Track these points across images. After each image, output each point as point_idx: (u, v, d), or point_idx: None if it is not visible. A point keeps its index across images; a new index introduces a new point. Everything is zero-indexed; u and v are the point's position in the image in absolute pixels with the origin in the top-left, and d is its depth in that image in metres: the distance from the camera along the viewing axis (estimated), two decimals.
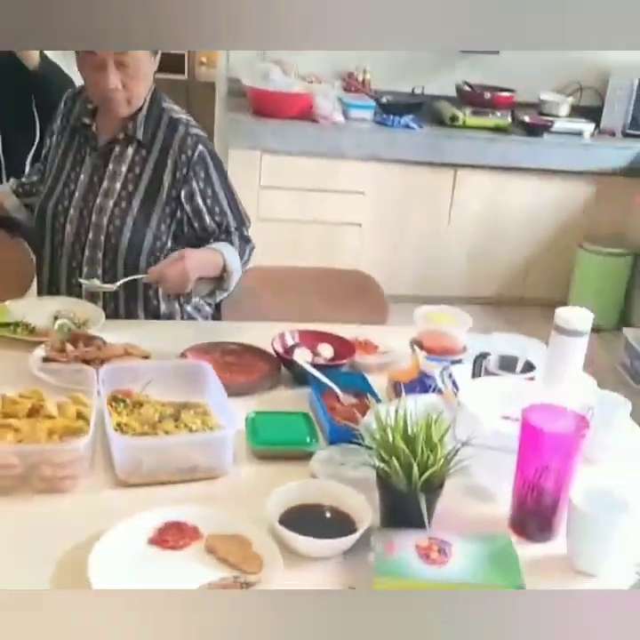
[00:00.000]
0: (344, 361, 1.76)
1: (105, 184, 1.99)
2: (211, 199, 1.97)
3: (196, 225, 1.99)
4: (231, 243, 1.95)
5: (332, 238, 4.58)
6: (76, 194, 2.00)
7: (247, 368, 1.76)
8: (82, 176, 2.01)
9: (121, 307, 2.02)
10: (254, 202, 4.42)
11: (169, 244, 2.00)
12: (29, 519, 1.29)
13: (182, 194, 1.96)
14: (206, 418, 1.53)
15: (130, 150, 1.98)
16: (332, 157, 4.38)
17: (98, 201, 1.98)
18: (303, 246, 4.56)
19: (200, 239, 1.99)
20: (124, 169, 1.98)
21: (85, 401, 1.54)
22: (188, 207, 1.97)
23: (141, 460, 1.36)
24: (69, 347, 1.73)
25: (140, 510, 1.28)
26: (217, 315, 2.17)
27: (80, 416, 1.50)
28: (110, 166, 1.99)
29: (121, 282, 1.89)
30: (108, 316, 1.97)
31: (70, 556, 1.20)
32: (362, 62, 4.65)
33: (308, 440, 1.49)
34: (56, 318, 1.88)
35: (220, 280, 1.89)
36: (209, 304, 2.14)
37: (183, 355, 1.77)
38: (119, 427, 1.46)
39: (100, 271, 1.99)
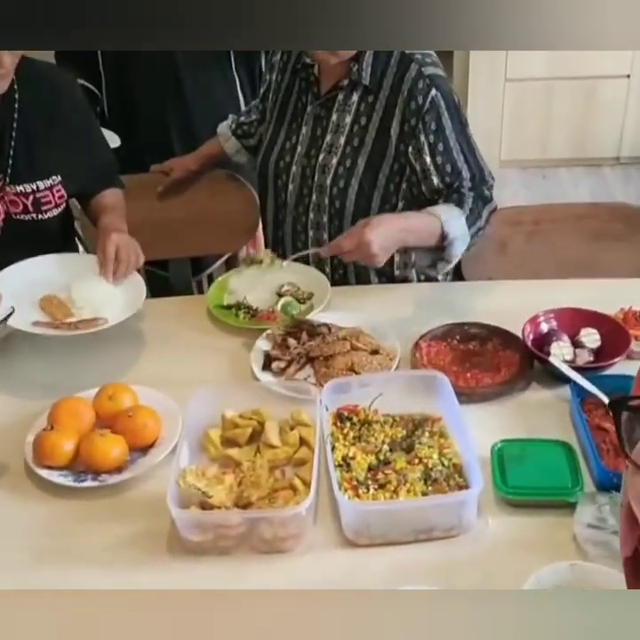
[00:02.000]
0: (614, 360, 1.43)
1: (328, 138, 1.71)
2: (441, 156, 1.63)
3: (423, 187, 1.66)
4: (461, 203, 1.61)
5: (592, 95, 3.96)
6: (298, 148, 1.75)
7: (493, 362, 1.49)
8: (303, 128, 1.74)
9: (350, 272, 1.80)
10: (502, 62, 3.91)
11: (400, 205, 1.71)
12: (248, 582, 1.17)
13: (410, 149, 1.64)
14: (443, 442, 1.31)
15: (355, 97, 1.67)
16: None
17: (320, 158, 1.72)
18: (557, 108, 4.01)
19: (429, 202, 1.66)
20: (348, 120, 1.68)
21: (308, 420, 1.37)
22: (416, 165, 1.65)
23: (370, 523, 1.18)
24: (292, 342, 1.55)
25: (368, 580, 1.12)
26: (458, 271, 1.86)
27: (303, 442, 1.35)
28: (333, 117, 1.70)
29: (290, 258, 1.71)
30: (336, 282, 1.77)
31: None
32: None
33: (569, 486, 1.22)
34: (279, 295, 1.71)
35: (440, 249, 1.58)
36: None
37: (417, 345, 1.53)
38: (344, 462, 1.28)
39: (325, 236, 1.76)
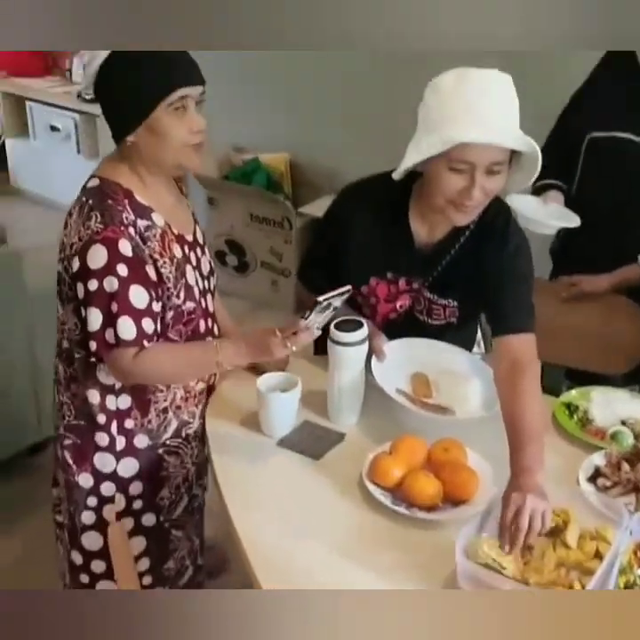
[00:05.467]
0: None
1: None
2: None
3: None
4: None
5: None
6: None
7: None
8: None
9: None
10: None
11: None
12: None
13: None
14: None
15: None
16: None
17: None
18: None
19: None
20: None
21: (609, 538, 1.42)
22: None
23: None
24: (625, 466, 1.61)
25: None
26: None
27: (598, 555, 1.40)
28: None
29: None
30: None
31: None
32: None
33: None
34: (623, 423, 1.77)
35: None
36: None
37: None
38: (626, 587, 1.31)
39: None
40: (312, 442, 1.72)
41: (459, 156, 1.60)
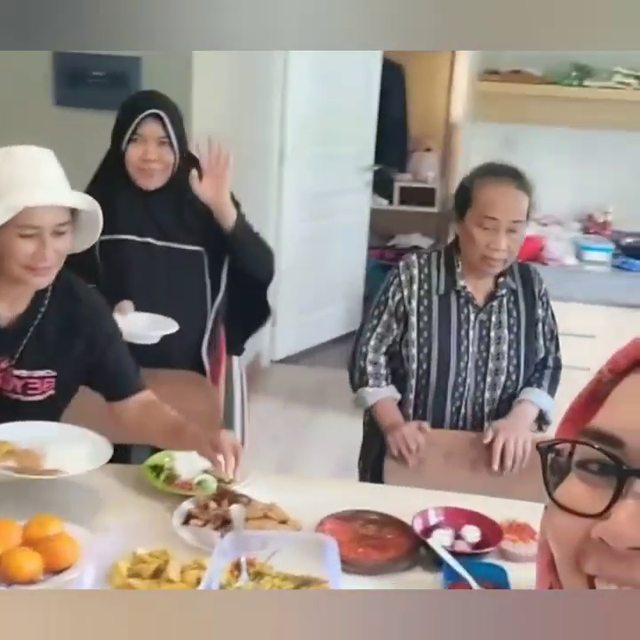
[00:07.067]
0: (487, 550, 1.61)
1: (493, 333, 2.24)
2: (547, 326, 2.30)
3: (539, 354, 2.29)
4: (542, 379, 2.28)
5: (561, 382, 4.32)
6: (471, 348, 2.23)
7: (384, 544, 1.67)
8: (471, 332, 2.23)
9: None
10: None
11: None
12: None
13: (537, 325, 2.28)
14: None
15: (504, 300, 2.25)
16: (561, 300, 4.19)
17: (492, 349, 2.24)
18: None
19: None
20: (504, 317, 2.24)
21: (207, 565, 1.53)
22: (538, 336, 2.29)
23: None
24: (212, 505, 1.75)
25: None
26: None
27: (199, 582, 1.50)
28: (493, 318, 2.24)
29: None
30: None
31: None
32: (604, 203, 4.45)
33: None
34: (205, 472, 1.90)
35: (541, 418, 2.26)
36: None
37: (322, 522, 1.72)
38: None
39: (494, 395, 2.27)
40: None
41: (25, 221, 1.70)
